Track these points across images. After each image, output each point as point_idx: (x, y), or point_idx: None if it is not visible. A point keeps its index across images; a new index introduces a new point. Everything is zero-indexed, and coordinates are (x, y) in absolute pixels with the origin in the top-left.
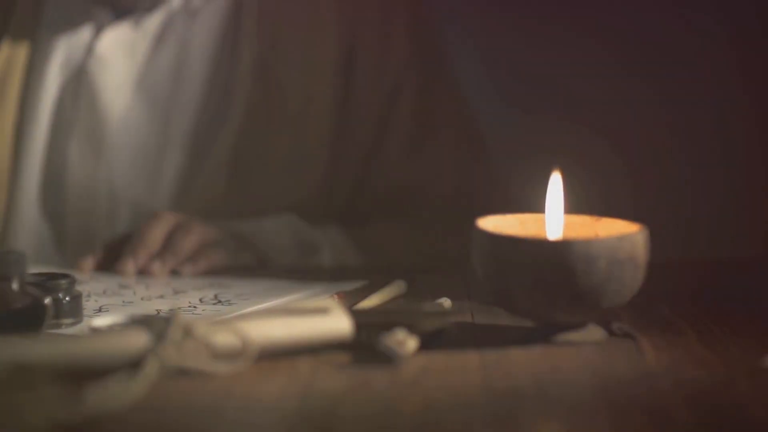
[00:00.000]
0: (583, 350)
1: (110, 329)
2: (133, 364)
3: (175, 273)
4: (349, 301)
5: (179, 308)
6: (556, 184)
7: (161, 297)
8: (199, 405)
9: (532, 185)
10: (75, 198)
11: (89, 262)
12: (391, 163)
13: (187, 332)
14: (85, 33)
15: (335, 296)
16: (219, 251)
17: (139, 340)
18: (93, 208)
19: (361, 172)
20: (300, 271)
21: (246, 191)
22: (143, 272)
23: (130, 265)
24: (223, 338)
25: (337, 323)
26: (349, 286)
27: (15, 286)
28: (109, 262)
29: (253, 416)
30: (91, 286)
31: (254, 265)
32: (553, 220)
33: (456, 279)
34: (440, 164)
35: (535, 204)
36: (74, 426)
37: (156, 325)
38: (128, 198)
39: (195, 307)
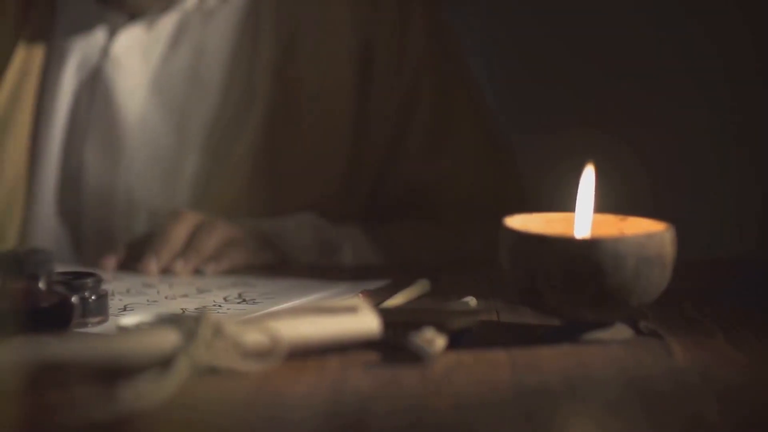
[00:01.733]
0: (611, 348)
1: (138, 328)
2: (164, 362)
3: (198, 272)
4: (374, 299)
5: (208, 307)
6: (588, 179)
7: (185, 296)
8: (230, 403)
9: (552, 184)
10: (92, 200)
11: (111, 261)
12: (409, 161)
13: (217, 331)
14: (99, 35)
15: (359, 295)
16: (241, 250)
17: (169, 339)
18: (110, 210)
19: (380, 170)
20: (322, 269)
21: (265, 192)
22: (166, 271)
23: (153, 264)
24: (253, 337)
25: (366, 322)
26: (373, 285)
27: (42, 284)
28: (131, 261)
29: (285, 414)
30: (114, 285)
31: (276, 263)
32: (582, 218)
33: (478, 278)
34: (459, 163)
35: (556, 203)
36: (107, 425)
37: (186, 323)
38: (145, 200)
39: (220, 306)
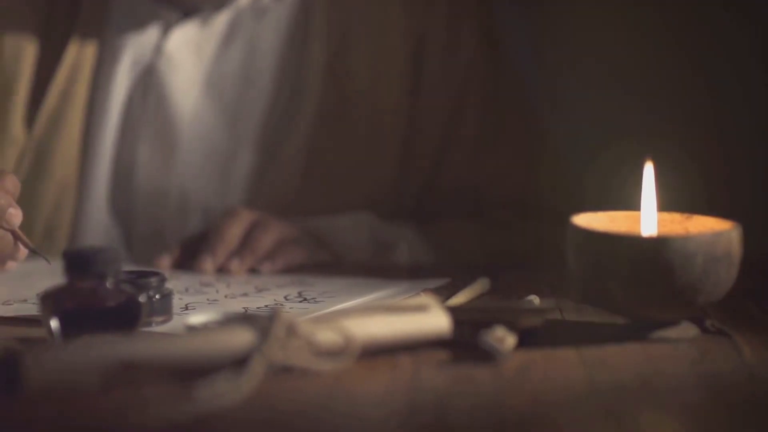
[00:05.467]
0: (680, 347)
1: (205, 327)
2: (238, 362)
3: (253, 271)
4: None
5: (281, 305)
6: (649, 178)
7: (245, 295)
8: (306, 402)
9: (605, 183)
10: (144, 198)
11: (166, 260)
12: (460, 160)
13: (291, 330)
14: (152, 32)
15: (422, 293)
16: (296, 249)
17: (243, 338)
18: (163, 209)
19: (431, 169)
20: (378, 268)
21: (317, 189)
22: (222, 270)
23: (208, 263)
24: (326, 336)
25: (436, 320)
26: (432, 283)
27: (109, 284)
28: (186, 260)
29: (363, 412)
30: (172, 284)
31: (330, 262)
32: (647, 216)
33: (537, 276)
34: (509, 162)
35: (607, 201)
36: (185, 425)
37: (259, 323)
38: (198, 198)
39: (281, 305)
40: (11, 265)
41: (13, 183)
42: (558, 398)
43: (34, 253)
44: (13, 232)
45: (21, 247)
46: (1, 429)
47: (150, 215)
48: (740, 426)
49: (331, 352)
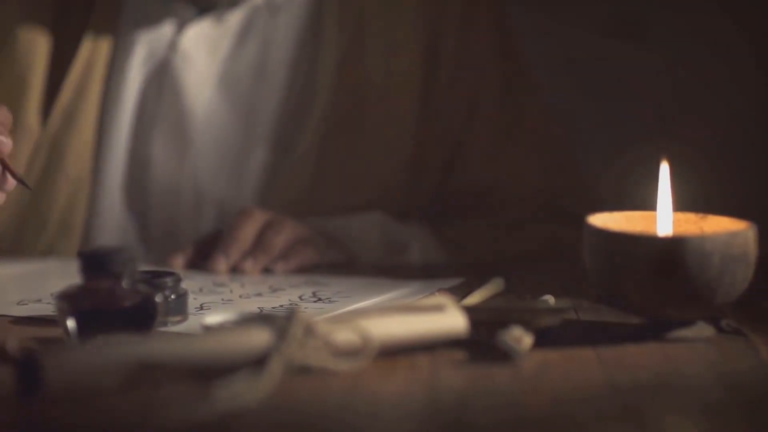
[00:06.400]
0: (696, 346)
1: (222, 327)
2: (256, 362)
3: (266, 270)
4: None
5: (296, 305)
6: (665, 177)
7: (259, 295)
8: (325, 402)
9: (620, 184)
10: (159, 194)
11: (180, 260)
12: (472, 159)
13: (309, 330)
14: (167, 29)
15: (437, 293)
16: (309, 249)
17: (261, 338)
18: (177, 205)
19: (443, 168)
20: (390, 268)
21: (329, 186)
22: (235, 270)
23: (222, 263)
24: (344, 336)
25: (453, 320)
26: (446, 284)
27: (125, 284)
28: (200, 260)
29: (382, 412)
30: (186, 284)
31: (343, 262)
32: (663, 216)
33: (551, 276)
34: (521, 162)
35: (619, 202)
36: (205, 425)
37: (277, 323)
38: (213, 194)
39: (296, 305)
40: (0, 196)
41: (4, 114)
42: (577, 397)
43: (20, 183)
44: (2, 161)
45: (9, 177)
46: (22, 430)
47: (164, 211)
48: (757, 424)
49: (349, 352)
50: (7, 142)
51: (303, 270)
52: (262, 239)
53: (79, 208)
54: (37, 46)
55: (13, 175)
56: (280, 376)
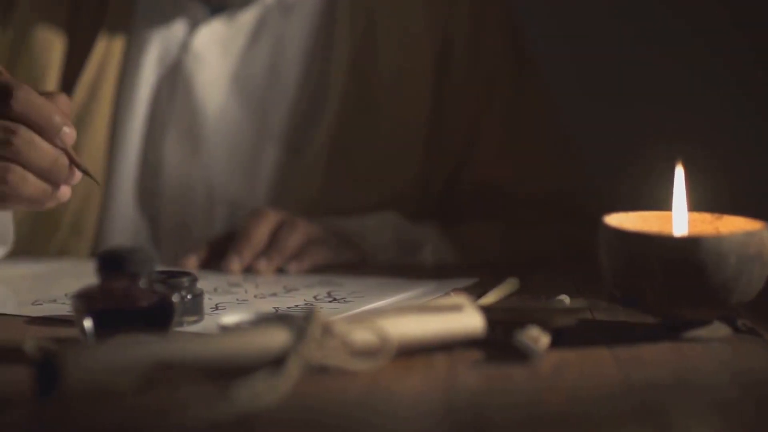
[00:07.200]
0: (712, 346)
1: (239, 327)
2: (274, 362)
3: (280, 270)
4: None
5: (317, 305)
6: (679, 179)
7: (274, 295)
8: (344, 401)
9: (631, 184)
10: (171, 193)
11: (193, 261)
12: (484, 159)
13: (327, 330)
14: (179, 29)
15: (452, 293)
16: (323, 249)
17: (279, 338)
18: (189, 205)
19: (455, 168)
20: (404, 268)
21: (342, 187)
22: (249, 270)
23: (236, 263)
24: (361, 335)
25: (470, 320)
26: (460, 283)
27: (142, 284)
28: (213, 260)
29: (401, 412)
30: (200, 284)
31: (356, 262)
32: (679, 216)
33: (565, 276)
34: (533, 162)
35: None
36: (224, 425)
37: (295, 323)
38: (225, 194)
39: (311, 305)
40: (65, 191)
41: (65, 103)
42: (594, 396)
43: (86, 174)
44: (67, 152)
45: (75, 170)
46: (40, 429)
47: (177, 210)
48: None
49: (367, 352)
50: (71, 132)
51: (317, 270)
52: (276, 239)
53: (93, 207)
54: (52, 48)
55: (79, 168)
56: (299, 376)
